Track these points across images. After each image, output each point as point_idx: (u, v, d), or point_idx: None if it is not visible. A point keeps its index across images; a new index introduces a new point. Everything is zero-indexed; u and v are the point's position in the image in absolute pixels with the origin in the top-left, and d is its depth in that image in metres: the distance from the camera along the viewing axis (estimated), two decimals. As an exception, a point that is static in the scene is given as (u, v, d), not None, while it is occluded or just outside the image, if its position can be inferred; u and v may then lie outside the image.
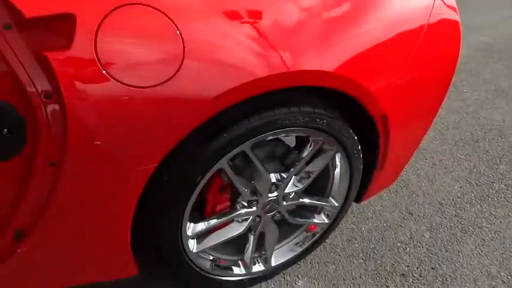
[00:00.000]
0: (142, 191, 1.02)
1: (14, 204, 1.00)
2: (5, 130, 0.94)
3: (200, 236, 1.28)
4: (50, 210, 0.98)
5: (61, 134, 0.90)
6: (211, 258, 1.36)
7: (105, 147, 0.92)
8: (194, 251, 1.27)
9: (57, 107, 0.88)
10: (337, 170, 1.41)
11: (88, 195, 0.99)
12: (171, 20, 0.92)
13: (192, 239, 1.25)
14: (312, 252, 1.66)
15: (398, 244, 1.79)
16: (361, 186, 1.51)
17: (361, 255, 1.72)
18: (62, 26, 0.85)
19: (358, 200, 1.57)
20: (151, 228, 1.16)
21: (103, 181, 0.97)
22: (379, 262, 1.69)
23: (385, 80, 1.26)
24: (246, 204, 1.31)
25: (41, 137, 0.91)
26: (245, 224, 1.33)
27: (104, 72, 0.86)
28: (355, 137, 1.32)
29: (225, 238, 1.32)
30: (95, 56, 0.85)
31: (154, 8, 0.91)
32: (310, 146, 1.30)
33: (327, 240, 1.74)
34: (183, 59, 0.92)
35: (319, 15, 1.15)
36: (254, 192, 1.29)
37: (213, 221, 1.28)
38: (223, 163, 1.13)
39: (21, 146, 0.96)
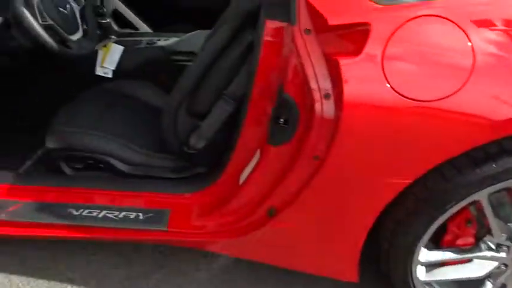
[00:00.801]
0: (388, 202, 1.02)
1: (273, 184, 1.15)
2: (281, 120, 1.09)
3: (431, 265, 1.20)
4: (303, 197, 1.08)
5: (331, 132, 0.97)
6: (437, 293, 1.25)
7: (369, 153, 0.95)
8: (421, 279, 1.19)
9: (333, 107, 0.96)
10: None
11: (339, 193, 1.05)
12: (464, 32, 0.87)
13: (421, 265, 1.18)
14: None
15: None
16: None
17: None
18: (355, 34, 0.91)
19: None
20: (384, 241, 1.14)
21: (357, 183, 1.01)
22: None
23: None
24: (493, 246, 1.15)
25: (311, 132, 1.01)
26: (486, 269, 1.17)
27: (386, 81, 0.88)
28: None
29: (459, 277, 1.19)
30: (381, 65, 0.88)
31: (449, 20, 0.88)
32: None
33: None
34: (471, 73, 0.86)
35: None
36: (509, 236, 1.12)
37: (450, 254, 1.17)
38: (482, 195, 1.02)
39: (291, 136, 1.08)
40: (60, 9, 1.31)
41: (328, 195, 1.06)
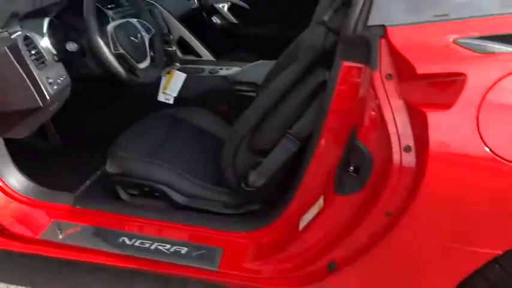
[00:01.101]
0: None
1: (336, 236, 1.06)
2: (352, 168, 1.00)
3: None
4: (369, 256, 0.98)
5: (409, 188, 0.87)
6: None
7: (453, 217, 0.84)
8: None
9: (413, 161, 0.86)
10: None
11: (412, 257, 0.94)
12: None
13: None
14: None
15: None
16: None
17: None
18: (447, 84, 0.82)
19: None
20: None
21: (434, 249, 0.90)
22: None
23: None
24: None
25: (385, 185, 0.92)
26: None
27: (480, 139, 0.78)
28: None
29: None
30: (475, 121, 0.79)
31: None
32: None
33: None
34: None
35: None
36: None
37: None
38: None
39: (361, 187, 0.99)
40: (132, 38, 1.32)
41: (398, 258, 0.95)
